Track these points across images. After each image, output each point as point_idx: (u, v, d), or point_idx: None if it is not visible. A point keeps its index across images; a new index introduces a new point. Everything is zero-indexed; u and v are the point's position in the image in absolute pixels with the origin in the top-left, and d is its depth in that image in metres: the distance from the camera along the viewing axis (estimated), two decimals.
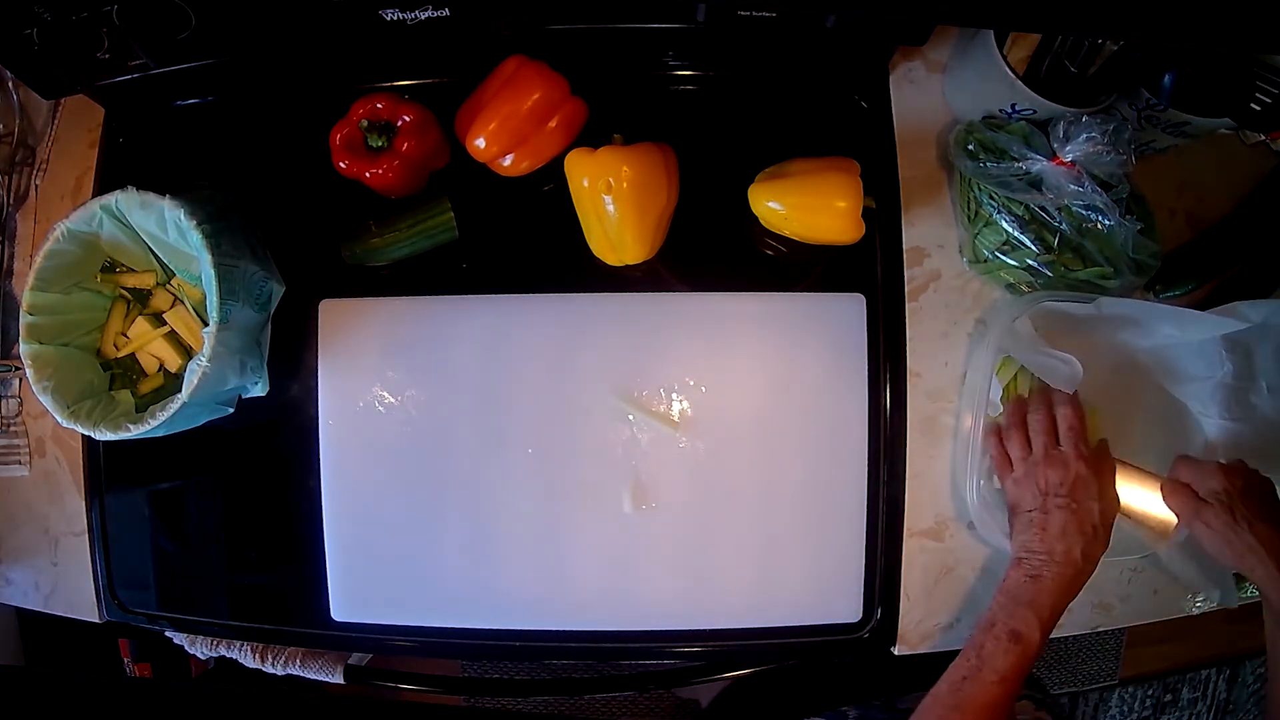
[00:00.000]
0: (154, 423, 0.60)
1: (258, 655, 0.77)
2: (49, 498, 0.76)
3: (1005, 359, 0.70)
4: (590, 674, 0.85)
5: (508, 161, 0.67)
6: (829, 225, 0.65)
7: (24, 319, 0.63)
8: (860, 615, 0.71)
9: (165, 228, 0.63)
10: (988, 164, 0.67)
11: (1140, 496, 0.66)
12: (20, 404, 0.77)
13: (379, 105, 0.65)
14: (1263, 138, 0.77)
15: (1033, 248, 0.67)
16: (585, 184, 0.64)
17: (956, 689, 0.57)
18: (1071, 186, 0.65)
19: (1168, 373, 0.72)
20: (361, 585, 0.72)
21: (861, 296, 0.71)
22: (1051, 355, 0.65)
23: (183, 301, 0.69)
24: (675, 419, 0.71)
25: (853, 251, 0.69)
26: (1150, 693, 1.56)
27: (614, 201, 0.63)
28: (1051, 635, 0.74)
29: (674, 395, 0.71)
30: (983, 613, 0.61)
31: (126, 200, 0.62)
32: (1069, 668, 1.55)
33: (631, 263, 0.67)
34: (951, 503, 0.72)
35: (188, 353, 0.68)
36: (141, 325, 0.69)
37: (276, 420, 0.73)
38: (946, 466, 0.72)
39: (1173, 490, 0.63)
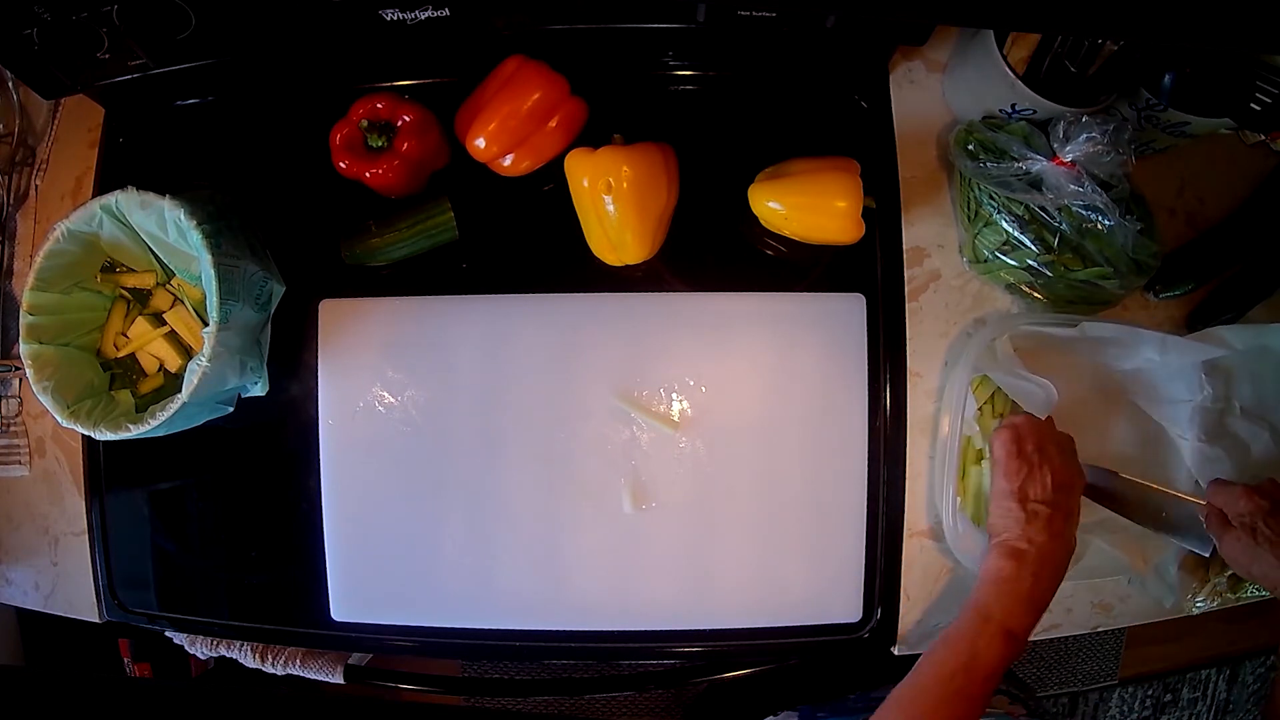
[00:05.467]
0: (154, 423, 0.60)
1: (258, 655, 0.77)
2: (49, 498, 0.76)
3: (983, 378, 0.70)
4: (590, 674, 0.85)
5: (508, 161, 0.67)
6: (829, 225, 0.65)
7: (24, 319, 0.63)
8: (860, 615, 0.71)
9: (165, 228, 0.63)
10: (988, 164, 0.67)
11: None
12: (20, 404, 0.77)
13: (379, 105, 0.65)
14: (1263, 138, 0.77)
15: (1033, 248, 0.67)
16: (585, 184, 0.64)
17: (947, 683, 0.55)
18: (1071, 186, 0.65)
19: (1148, 394, 0.72)
20: (361, 585, 0.72)
21: (861, 296, 0.71)
22: (1028, 379, 0.65)
23: (183, 301, 0.69)
24: (675, 419, 0.71)
25: (853, 251, 0.69)
26: (1150, 693, 1.56)
27: (614, 201, 0.63)
28: (1051, 635, 0.74)
29: (674, 395, 0.71)
30: (971, 597, 0.58)
31: (126, 200, 0.62)
32: (1069, 668, 1.55)
33: (631, 263, 0.67)
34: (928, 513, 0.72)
35: (188, 353, 0.68)
36: (141, 325, 0.69)
37: (276, 420, 0.73)
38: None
39: (1208, 514, 0.62)
